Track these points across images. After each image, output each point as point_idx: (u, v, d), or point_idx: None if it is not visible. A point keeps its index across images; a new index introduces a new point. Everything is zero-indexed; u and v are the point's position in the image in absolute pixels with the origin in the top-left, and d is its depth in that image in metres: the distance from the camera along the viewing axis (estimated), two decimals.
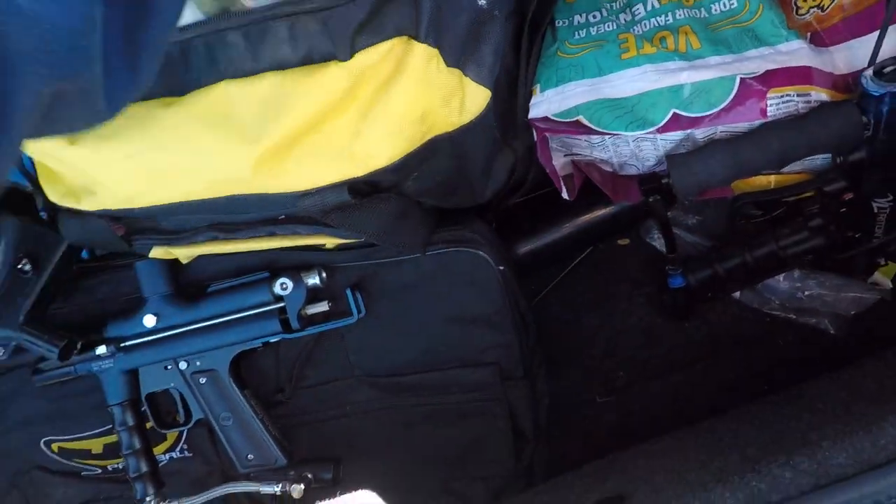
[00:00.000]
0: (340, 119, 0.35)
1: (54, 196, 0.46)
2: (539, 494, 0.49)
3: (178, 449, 0.64)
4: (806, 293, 0.58)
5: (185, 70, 0.35)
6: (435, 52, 0.35)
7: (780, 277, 0.58)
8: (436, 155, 0.40)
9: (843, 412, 0.34)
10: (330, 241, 0.48)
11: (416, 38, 0.35)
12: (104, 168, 0.38)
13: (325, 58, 0.34)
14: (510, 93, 0.46)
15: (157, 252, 0.50)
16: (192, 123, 0.35)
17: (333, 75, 0.34)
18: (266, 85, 0.34)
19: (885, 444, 0.27)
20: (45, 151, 0.40)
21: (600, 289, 0.69)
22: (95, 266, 0.62)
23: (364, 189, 0.40)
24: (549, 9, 0.48)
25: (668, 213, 0.48)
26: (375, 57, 0.34)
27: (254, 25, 0.33)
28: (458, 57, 0.36)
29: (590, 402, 0.66)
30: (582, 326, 0.69)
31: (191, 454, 0.63)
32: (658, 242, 0.67)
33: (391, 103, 0.35)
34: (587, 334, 0.68)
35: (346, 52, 0.33)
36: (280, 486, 0.54)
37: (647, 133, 0.44)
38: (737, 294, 0.62)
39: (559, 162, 0.52)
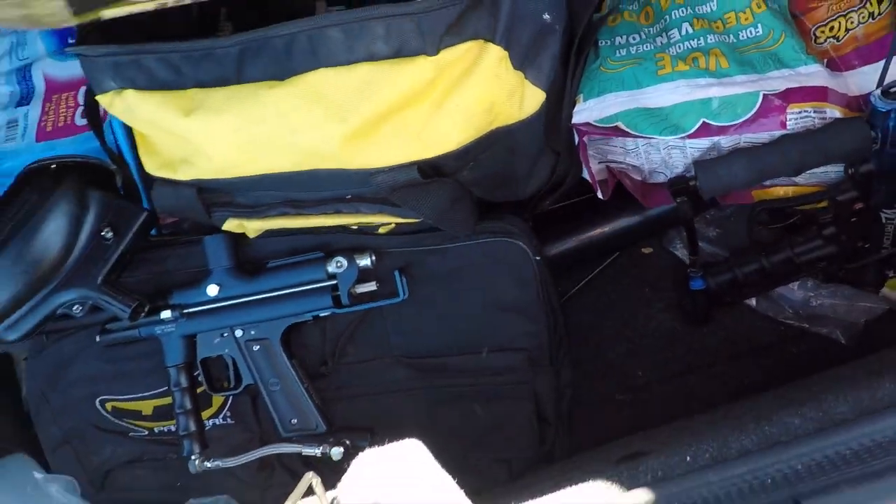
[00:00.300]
0: (420, 105, 0.41)
1: (151, 167, 0.52)
2: (563, 465, 0.52)
3: (221, 416, 0.69)
4: (818, 303, 0.62)
5: (287, 58, 0.42)
6: (505, 54, 0.41)
7: (795, 287, 0.63)
8: (493, 146, 0.46)
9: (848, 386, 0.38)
10: (388, 221, 0.53)
11: (492, 41, 0.41)
12: (211, 139, 0.44)
13: (414, 53, 0.40)
14: (557, 101, 0.52)
15: (231, 224, 0.56)
16: (292, 102, 0.41)
17: (420, 67, 0.40)
18: (359, 73, 0.40)
19: (881, 396, 0.31)
20: (158, 123, 0.46)
21: (623, 293, 0.73)
22: (165, 241, 0.68)
23: (428, 172, 0.46)
24: (595, 30, 0.55)
25: (693, 215, 0.53)
26: (457, 54, 0.40)
27: (354, 23, 0.39)
28: (522, 60, 0.43)
29: (609, 399, 0.70)
30: (604, 328, 0.73)
31: (233, 421, 0.68)
32: (680, 252, 0.72)
33: (465, 94, 0.41)
34: (609, 335, 0.73)
35: (433, 48, 0.39)
36: (321, 448, 0.58)
37: (679, 138, 0.49)
38: (752, 302, 0.66)
39: (595, 167, 0.58)
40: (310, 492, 0.47)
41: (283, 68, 0.42)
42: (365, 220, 0.53)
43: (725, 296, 0.62)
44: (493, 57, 0.41)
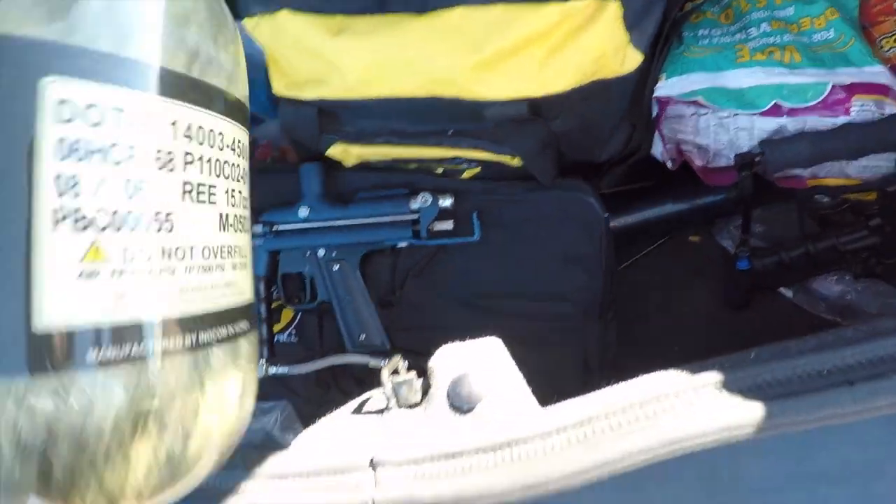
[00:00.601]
0: (542, 46, 0.48)
1: (279, 86, 0.59)
2: None
3: (287, 333, 0.74)
4: (853, 298, 0.67)
5: None
6: (621, 12, 0.48)
7: (832, 281, 0.68)
8: (590, 98, 0.53)
9: None
10: (481, 158, 0.60)
11: None
12: (351, 58, 0.51)
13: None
14: (642, 77, 0.59)
15: (336, 149, 0.63)
16: (430, 32, 0.48)
17: (549, 11, 0.46)
18: (495, 12, 0.47)
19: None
20: (304, 43, 0.53)
21: (667, 275, 0.79)
22: (264, 166, 0.75)
23: (529, 112, 0.52)
24: (679, 23, 0.62)
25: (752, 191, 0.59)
26: (583, 4, 0.47)
27: None
28: (632, 21, 0.49)
29: (646, 366, 0.75)
30: (648, 304, 0.78)
31: (297, 339, 0.73)
32: (727, 242, 0.77)
33: (582, 41, 0.48)
34: (650, 310, 0.78)
35: None
36: (386, 361, 0.63)
37: (749, 115, 0.56)
38: (789, 294, 0.72)
39: (666, 145, 0.64)
40: (395, 372, 0.52)
41: (423, 3, 0.49)
42: (460, 155, 0.59)
43: (768, 279, 0.67)
44: (612, 13, 0.48)
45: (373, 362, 0.66)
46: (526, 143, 0.54)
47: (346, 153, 0.62)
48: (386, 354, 0.68)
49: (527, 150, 0.55)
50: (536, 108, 0.53)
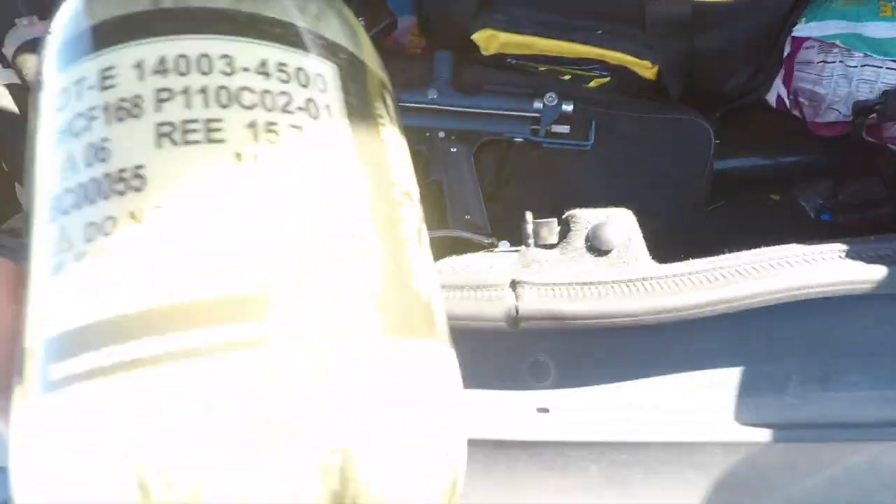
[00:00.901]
0: None
1: None
2: None
3: None
4: None
5: None
6: None
7: None
8: (741, 18, 0.57)
9: None
10: (620, 61, 0.64)
11: None
12: None
13: None
14: (783, 18, 0.63)
15: (483, 34, 0.68)
16: None
17: None
18: None
19: None
20: None
21: (746, 227, 0.84)
22: (398, 51, 0.80)
23: (691, 15, 0.57)
24: None
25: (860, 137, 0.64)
26: None
27: None
28: None
29: None
30: (722, 251, 0.83)
31: None
32: (808, 205, 0.82)
33: None
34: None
35: None
36: (490, 240, 0.69)
37: (881, 65, 0.60)
38: None
39: (785, 90, 0.68)
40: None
41: None
42: (602, 56, 0.64)
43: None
44: None
45: (475, 238, 0.71)
46: (671, 51, 0.59)
47: (492, 39, 0.67)
48: (487, 236, 0.73)
49: (670, 59, 0.60)
50: (695, 16, 0.57)
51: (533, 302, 0.45)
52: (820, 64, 0.64)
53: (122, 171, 0.15)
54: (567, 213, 0.53)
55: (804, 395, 0.44)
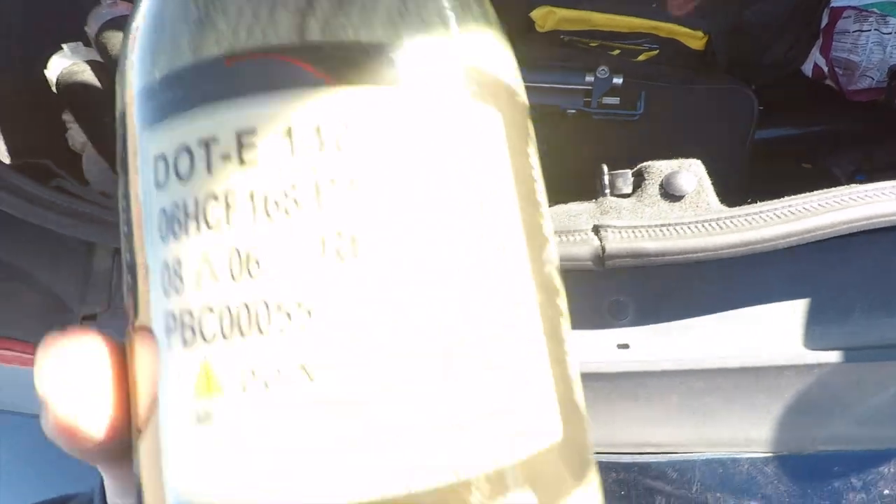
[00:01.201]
0: None
1: None
2: None
3: None
4: None
5: None
6: None
7: None
8: None
9: None
10: (670, 33, 0.69)
11: None
12: None
13: None
14: None
15: (541, 10, 0.72)
16: None
17: None
18: None
19: None
20: None
21: (779, 189, 0.88)
22: None
23: None
24: None
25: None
26: None
27: None
28: None
29: None
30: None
31: None
32: (840, 172, 0.87)
33: None
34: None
35: None
36: None
37: None
38: None
39: (823, 59, 0.73)
40: None
41: None
42: (654, 28, 0.69)
43: None
44: None
45: None
46: (721, 23, 0.64)
47: (549, 15, 0.72)
48: None
49: (721, 30, 0.64)
50: None
51: (617, 242, 0.49)
52: (855, 34, 0.69)
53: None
54: (640, 165, 0.57)
55: (869, 321, 0.48)
